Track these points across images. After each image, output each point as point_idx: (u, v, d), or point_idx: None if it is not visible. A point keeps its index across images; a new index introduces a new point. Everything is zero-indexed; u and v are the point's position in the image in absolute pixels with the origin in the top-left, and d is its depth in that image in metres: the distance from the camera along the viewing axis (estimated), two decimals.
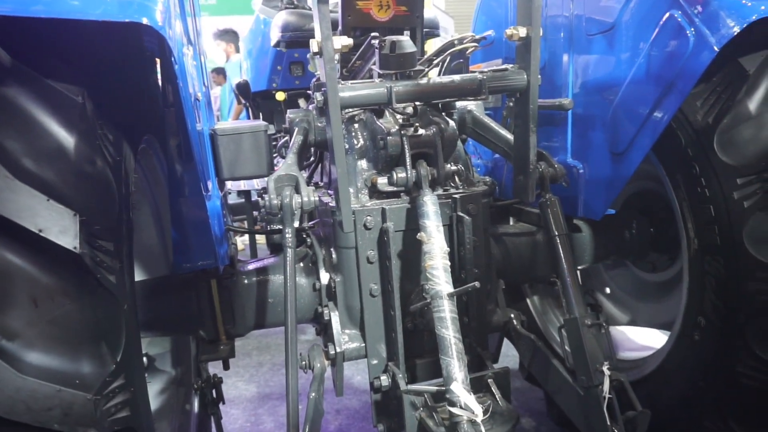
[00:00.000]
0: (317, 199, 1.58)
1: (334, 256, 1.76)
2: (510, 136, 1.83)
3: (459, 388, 1.40)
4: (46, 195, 0.99)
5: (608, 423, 1.52)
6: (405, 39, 1.53)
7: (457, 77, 1.58)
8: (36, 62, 1.08)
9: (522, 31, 1.54)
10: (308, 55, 1.90)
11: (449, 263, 1.54)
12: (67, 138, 1.07)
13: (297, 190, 1.56)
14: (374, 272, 1.69)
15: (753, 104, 1.51)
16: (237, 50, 7.01)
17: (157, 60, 1.38)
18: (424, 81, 1.53)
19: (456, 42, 1.69)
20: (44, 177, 1.02)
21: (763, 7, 1.38)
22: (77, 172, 1.07)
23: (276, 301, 1.87)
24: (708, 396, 1.75)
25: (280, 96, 3.23)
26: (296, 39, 2.07)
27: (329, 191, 1.92)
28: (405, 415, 1.54)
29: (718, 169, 1.59)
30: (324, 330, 1.85)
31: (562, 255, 1.69)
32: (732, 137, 1.55)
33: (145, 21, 0.99)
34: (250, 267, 1.91)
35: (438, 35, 2.76)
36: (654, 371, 1.94)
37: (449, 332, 1.46)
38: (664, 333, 2.10)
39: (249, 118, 3.62)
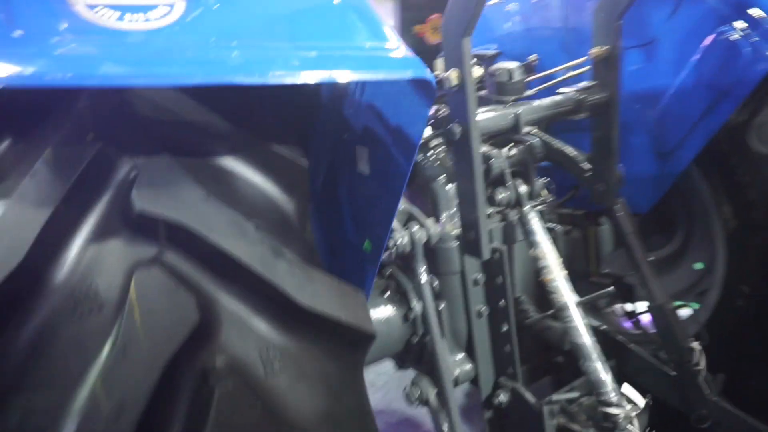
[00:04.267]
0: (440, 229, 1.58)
1: (436, 282, 1.75)
2: (567, 149, 1.95)
3: (614, 387, 1.51)
4: None
5: (707, 392, 1.72)
6: (517, 67, 1.58)
7: (559, 98, 1.67)
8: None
9: (604, 51, 1.66)
10: None
11: (566, 273, 1.63)
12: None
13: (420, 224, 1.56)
14: (480, 294, 1.73)
15: None
16: None
17: None
18: (540, 104, 1.60)
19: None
20: None
21: None
22: None
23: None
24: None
25: None
26: None
27: None
28: (546, 424, 1.60)
29: (756, 159, 1.86)
30: (419, 360, 1.82)
31: (637, 251, 1.86)
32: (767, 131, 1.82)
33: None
34: None
35: None
36: None
37: (586, 339, 1.57)
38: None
39: None
